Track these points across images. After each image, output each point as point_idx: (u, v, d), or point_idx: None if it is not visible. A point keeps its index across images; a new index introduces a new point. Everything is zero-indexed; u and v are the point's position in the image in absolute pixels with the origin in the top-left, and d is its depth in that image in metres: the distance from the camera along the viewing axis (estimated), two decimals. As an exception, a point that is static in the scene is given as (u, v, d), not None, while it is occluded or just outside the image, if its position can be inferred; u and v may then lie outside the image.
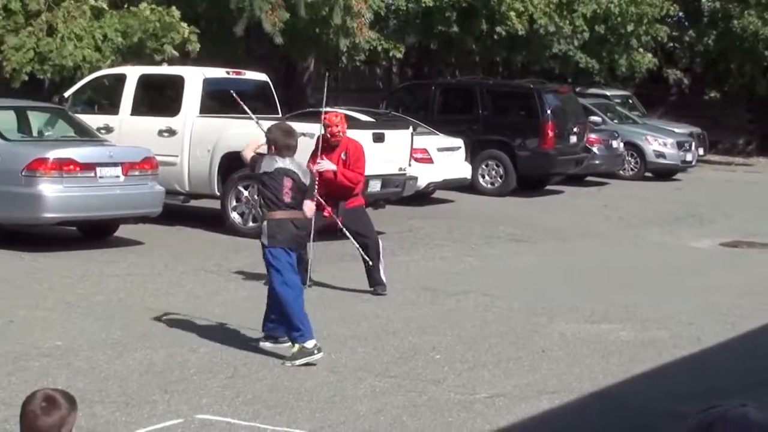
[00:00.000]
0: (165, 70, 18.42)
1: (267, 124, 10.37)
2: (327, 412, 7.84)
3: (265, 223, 9.37)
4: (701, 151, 31.91)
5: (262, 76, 18.28)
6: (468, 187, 22.41)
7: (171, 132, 16.58)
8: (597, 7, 31.05)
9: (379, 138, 16.49)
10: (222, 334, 9.91)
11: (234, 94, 12.45)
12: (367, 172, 12.87)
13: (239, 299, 11.67)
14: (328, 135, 12.07)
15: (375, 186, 16.35)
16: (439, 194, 21.94)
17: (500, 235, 17.72)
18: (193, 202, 17.24)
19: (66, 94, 17.63)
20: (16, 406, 3.97)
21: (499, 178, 23.57)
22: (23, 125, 15.21)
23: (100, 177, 14.15)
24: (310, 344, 9.11)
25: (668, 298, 12.75)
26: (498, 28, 29.99)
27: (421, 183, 19.41)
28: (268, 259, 9.26)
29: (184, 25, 20.36)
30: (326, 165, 11.90)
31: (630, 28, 32.00)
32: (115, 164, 14.35)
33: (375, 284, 12.25)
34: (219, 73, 17.60)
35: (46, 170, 13.65)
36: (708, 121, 35.42)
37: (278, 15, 21.91)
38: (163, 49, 19.98)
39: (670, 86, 39.55)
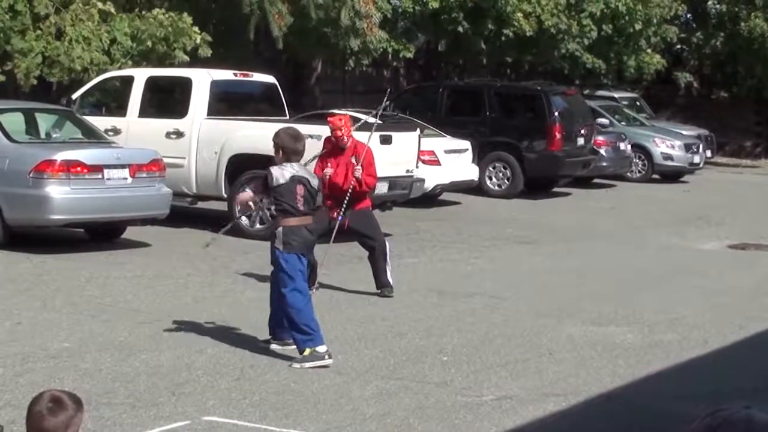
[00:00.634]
0: (172, 72, 18.44)
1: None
2: (334, 414, 7.84)
3: (280, 229, 9.30)
4: (709, 153, 31.88)
5: (269, 78, 18.29)
6: (475, 189, 22.39)
7: (178, 134, 16.59)
8: (604, 6, 31.02)
9: (386, 140, 16.49)
10: (229, 336, 9.92)
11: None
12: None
13: (246, 301, 11.67)
14: (334, 138, 12.08)
15: (382, 188, 16.34)
16: (446, 196, 21.93)
17: (507, 237, 17.71)
18: (200, 204, 17.25)
19: (74, 96, 17.65)
20: (24, 408, 3.98)
21: (506, 180, 23.56)
22: (31, 127, 15.23)
23: (108, 179, 14.16)
24: (321, 349, 9.13)
25: (676, 301, 12.73)
26: (506, 30, 30.01)
27: (429, 185, 19.41)
28: (281, 264, 9.24)
29: (197, 30, 20.39)
30: (358, 172, 11.94)
31: (638, 26, 31.96)
32: (122, 166, 14.36)
33: (382, 286, 12.26)
34: (226, 75, 17.61)
35: (53, 172, 13.66)
36: (715, 123, 35.39)
37: (284, 20, 21.94)
38: (174, 54, 20.00)
39: (678, 88, 39.51)
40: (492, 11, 29.86)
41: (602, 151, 26.18)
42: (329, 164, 12.05)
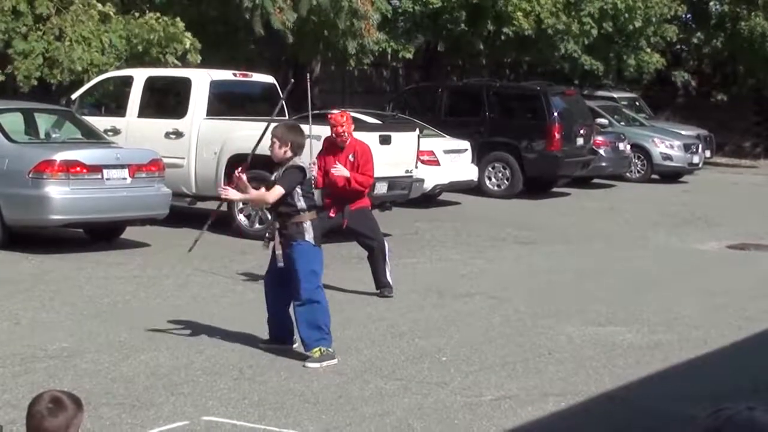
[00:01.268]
0: (172, 72, 18.45)
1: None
2: (333, 414, 7.84)
3: (308, 223, 9.23)
4: (708, 154, 31.89)
5: (269, 79, 18.30)
6: (474, 189, 22.40)
7: (178, 134, 16.59)
8: (603, 3, 31.03)
9: (385, 140, 16.49)
10: (228, 336, 9.92)
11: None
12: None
13: (246, 301, 11.67)
14: (334, 135, 12.06)
15: (381, 188, 16.36)
16: (445, 196, 21.94)
17: (506, 237, 17.72)
18: (200, 204, 17.25)
19: (73, 97, 17.66)
20: (23, 408, 3.98)
21: (505, 181, 23.56)
22: (30, 127, 15.24)
23: (107, 179, 14.17)
24: (331, 348, 9.16)
25: (675, 301, 12.73)
26: (505, 29, 30.02)
27: (428, 185, 19.42)
28: (311, 259, 9.19)
29: (188, 35, 20.39)
30: (341, 171, 11.90)
31: (638, 24, 31.97)
32: (121, 166, 14.37)
33: (381, 286, 12.26)
34: (226, 75, 17.63)
35: (52, 172, 13.67)
36: (715, 123, 35.40)
37: (286, 14, 21.94)
38: (165, 58, 20.01)
39: (678, 89, 39.52)
40: (492, 11, 29.88)
41: (601, 152, 26.20)
42: (325, 162, 12.05)
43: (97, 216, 14.29)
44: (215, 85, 16.97)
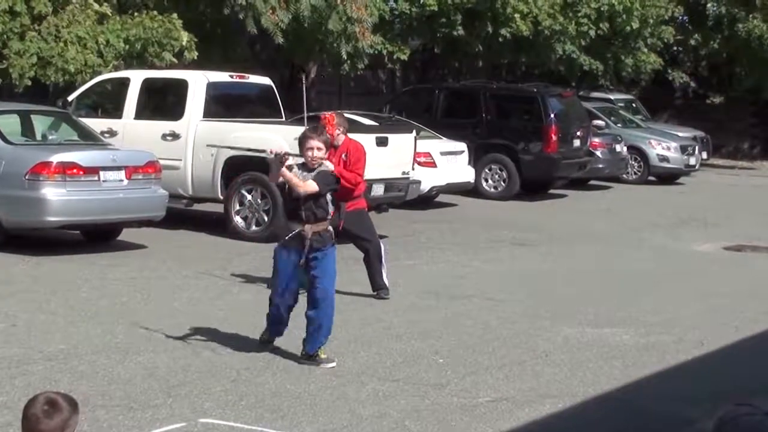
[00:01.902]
0: (168, 74, 18.43)
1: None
2: (330, 416, 7.84)
3: (331, 228, 9.29)
4: (705, 155, 31.93)
5: (265, 80, 18.29)
6: (471, 191, 22.41)
7: (174, 136, 16.58)
8: (600, 4, 31.06)
9: (382, 142, 16.49)
10: (225, 338, 9.91)
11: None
12: (370, 176, 12.84)
13: (242, 303, 11.66)
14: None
15: (378, 190, 16.36)
16: (442, 198, 21.94)
17: (503, 239, 17.72)
18: (197, 206, 17.25)
19: (69, 98, 17.64)
20: (19, 410, 3.97)
21: (502, 182, 23.57)
22: (27, 129, 15.23)
23: (104, 181, 14.16)
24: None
25: (671, 302, 12.74)
26: (503, 30, 30.03)
27: (425, 187, 19.41)
28: (333, 262, 9.26)
29: (185, 33, 20.38)
30: (327, 164, 11.86)
31: (635, 25, 32.00)
32: (118, 168, 14.36)
33: (378, 288, 12.25)
34: (223, 77, 17.62)
35: (49, 174, 13.66)
36: (712, 124, 35.43)
37: (279, 15, 21.92)
38: (163, 56, 20.00)
39: (675, 90, 39.56)
40: (488, 14, 29.89)
41: (598, 153, 26.22)
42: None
43: (94, 218, 14.28)
44: (212, 87, 16.96)
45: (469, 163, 22.01)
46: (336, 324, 10.58)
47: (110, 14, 20.31)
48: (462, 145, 21.76)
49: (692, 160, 29.54)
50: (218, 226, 16.49)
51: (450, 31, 30.14)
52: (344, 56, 24.46)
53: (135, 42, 19.95)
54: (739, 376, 9.60)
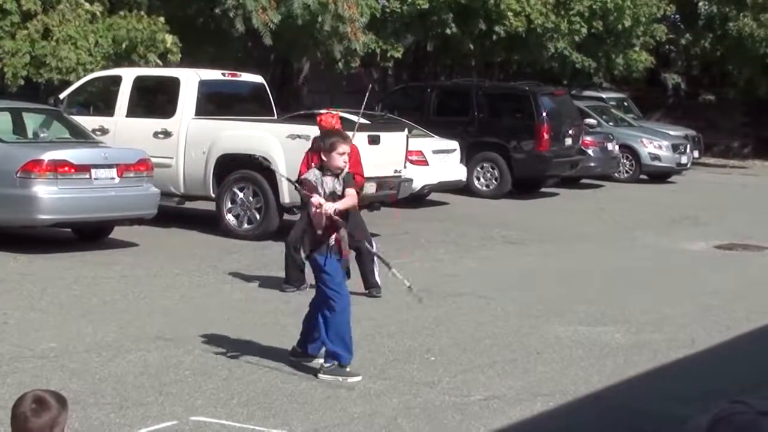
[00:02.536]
0: (160, 71, 18.42)
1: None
2: (321, 414, 7.83)
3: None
4: (696, 154, 31.98)
5: (258, 78, 18.29)
6: (463, 189, 22.41)
7: (166, 134, 16.56)
8: (593, 2, 31.09)
9: (374, 140, 16.48)
10: (217, 336, 9.90)
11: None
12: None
13: (234, 301, 11.66)
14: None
15: (370, 188, 16.34)
16: (434, 196, 21.94)
17: (495, 237, 17.72)
18: (188, 204, 17.23)
19: (61, 96, 17.62)
20: (10, 408, 3.96)
21: (494, 181, 23.58)
22: (18, 127, 15.20)
23: (95, 179, 14.14)
24: None
25: (663, 301, 12.75)
26: (496, 27, 30.03)
27: (416, 185, 19.40)
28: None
29: (169, 36, 20.37)
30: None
31: (627, 24, 32.04)
32: (110, 166, 14.34)
33: (370, 286, 12.26)
34: (215, 74, 17.60)
35: (40, 172, 13.63)
36: (703, 123, 35.49)
37: (269, 15, 21.90)
38: (148, 57, 19.99)
39: (666, 89, 39.62)
40: (481, 11, 29.89)
41: (590, 152, 26.25)
42: (313, 161, 12.02)
43: (85, 216, 14.26)
44: (204, 85, 16.94)
45: (461, 162, 22.02)
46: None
47: (100, 14, 20.28)
48: (454, 144, 21.77)
49: (684, 159, 29.59)
50: (210, 224, 16.47)
51: (442, 29, 30.13)
52: (337, 57, 24.44)
53: (121, 42, 19.94)
54: (730, 375, 9.61)
